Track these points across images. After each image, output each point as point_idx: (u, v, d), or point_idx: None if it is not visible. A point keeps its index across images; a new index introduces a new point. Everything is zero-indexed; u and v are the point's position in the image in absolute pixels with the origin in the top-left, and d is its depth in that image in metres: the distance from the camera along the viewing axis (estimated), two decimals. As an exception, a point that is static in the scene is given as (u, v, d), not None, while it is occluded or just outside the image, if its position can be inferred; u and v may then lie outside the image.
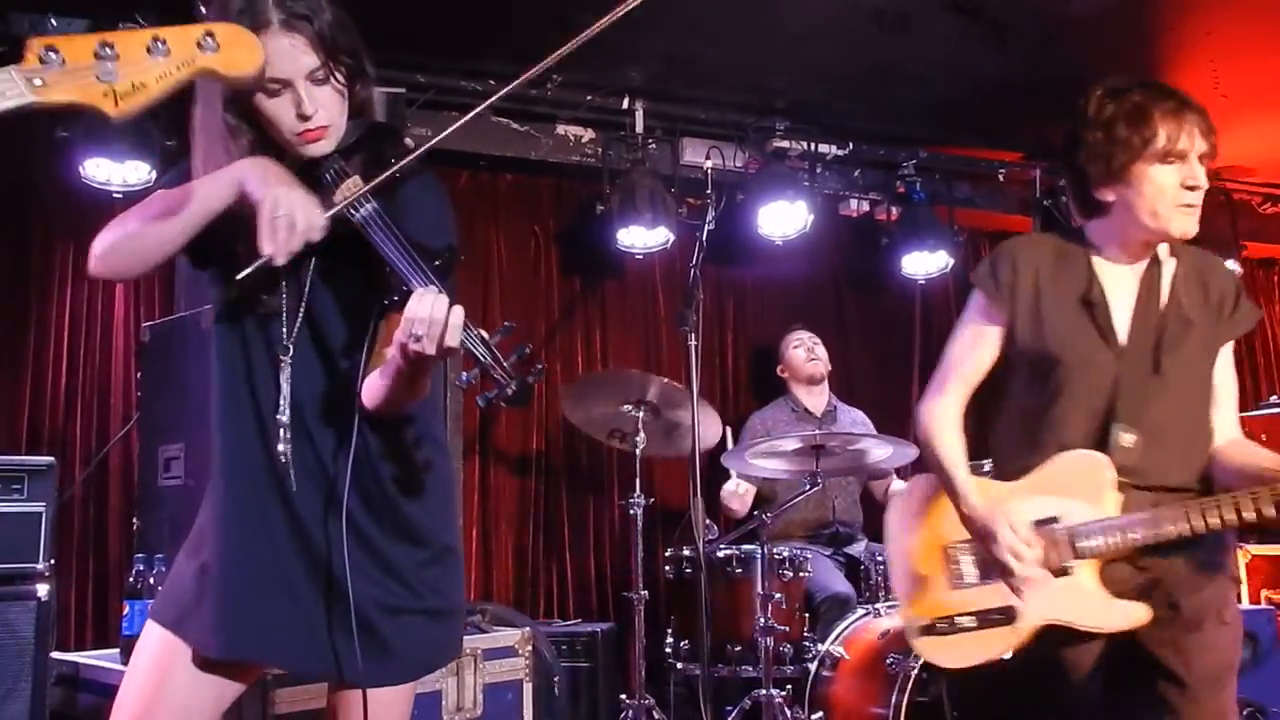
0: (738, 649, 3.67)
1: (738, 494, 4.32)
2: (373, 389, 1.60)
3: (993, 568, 2.04)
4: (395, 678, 1.67)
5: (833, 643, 3.66)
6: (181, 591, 1.67)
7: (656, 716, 3.72)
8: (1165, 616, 2.00)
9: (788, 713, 3.53)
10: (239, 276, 1.49)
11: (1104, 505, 2.02)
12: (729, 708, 3.70)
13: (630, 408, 3.80)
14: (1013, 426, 2.16)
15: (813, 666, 3.64)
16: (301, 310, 1.64)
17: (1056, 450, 2.05)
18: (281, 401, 1.61)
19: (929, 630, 2.13)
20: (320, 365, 1.65)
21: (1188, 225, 2.02)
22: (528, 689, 3.40)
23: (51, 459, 3.11)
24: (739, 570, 3.74)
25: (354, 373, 1.61)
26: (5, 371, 3.94)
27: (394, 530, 1.67)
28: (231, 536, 1.65)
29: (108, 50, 1.14)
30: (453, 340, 1.41)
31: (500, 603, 4.18)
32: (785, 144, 4.82)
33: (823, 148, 4.91)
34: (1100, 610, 2.02)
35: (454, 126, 1.55)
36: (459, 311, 1.42)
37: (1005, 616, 2.06)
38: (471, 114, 1.51)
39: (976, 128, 4.95)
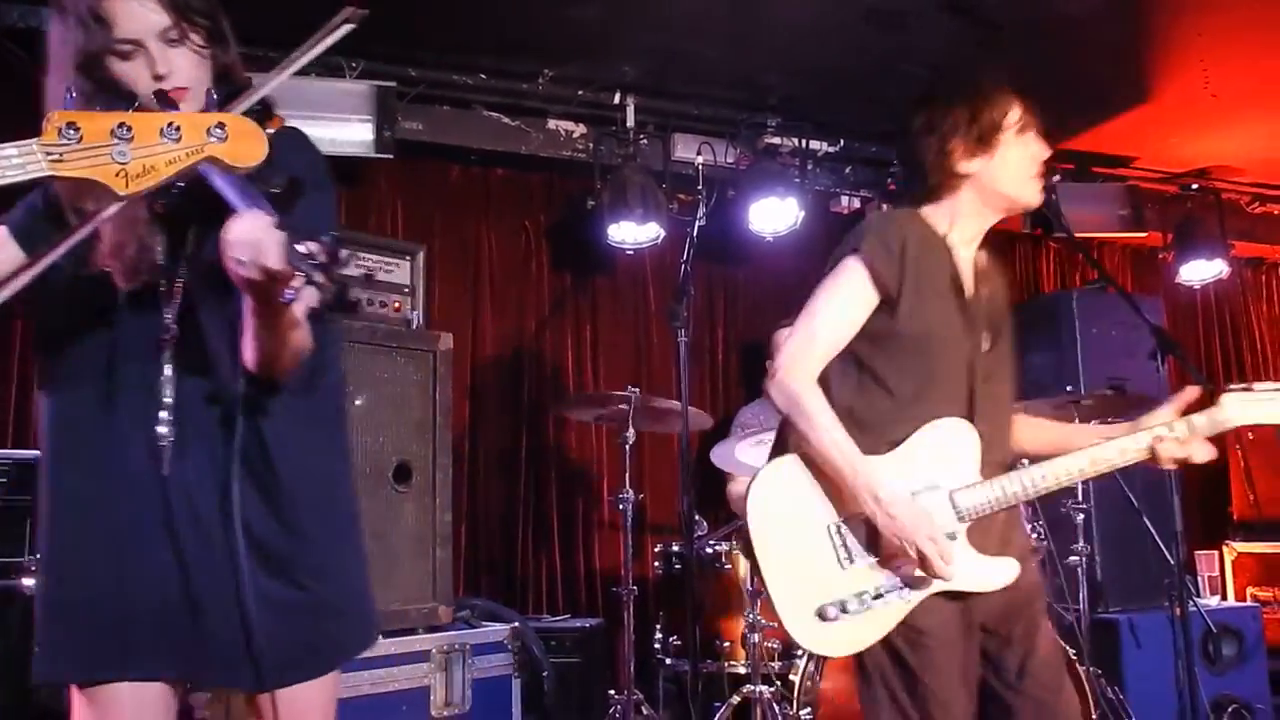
0: (726, 645, 3.68)
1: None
2: (245, 345, 1.49)
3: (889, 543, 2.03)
4: (291, 677, 1.58)
5: (821, 639, 3.66)
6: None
7: (645, 712, 3.72)
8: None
9: (776, 709, 3.53)
10: None
11: (974, 470, 2.07)
12: (717, 704, 3.70)
13: (621, 405, 3.81)
14: (875, 400, 2.09)
15: (801, 663, 3.64)
16: (180, 285, 1.55)
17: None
18: (164, 383, 1.53)
19: (820, 616, 2.02)
20: (203, 342, 1.55)
21: (1039, 193, 2.18)
22: (516, 684, 3.41)
23: (39, 452, 3.09)
24: (728, 566, 3.74)
25: (235, 345, 1.50)
26: (-8, 364, 3.92)
27: (281, 520, 1.57)
28: (66, 551, 1.56)
29: (124, 130, 1.22)
30: (273, 259, 1.24)
31: (489, 598, 4.17)
32: (777, 140, 4.82)
33: (814, 144, 4.92)
34: (982, 571, 2.05)
35: (273, 80, 1.53)
36: (279, 232, 1.26)
37: (910, 588, 2.02)
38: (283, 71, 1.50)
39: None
